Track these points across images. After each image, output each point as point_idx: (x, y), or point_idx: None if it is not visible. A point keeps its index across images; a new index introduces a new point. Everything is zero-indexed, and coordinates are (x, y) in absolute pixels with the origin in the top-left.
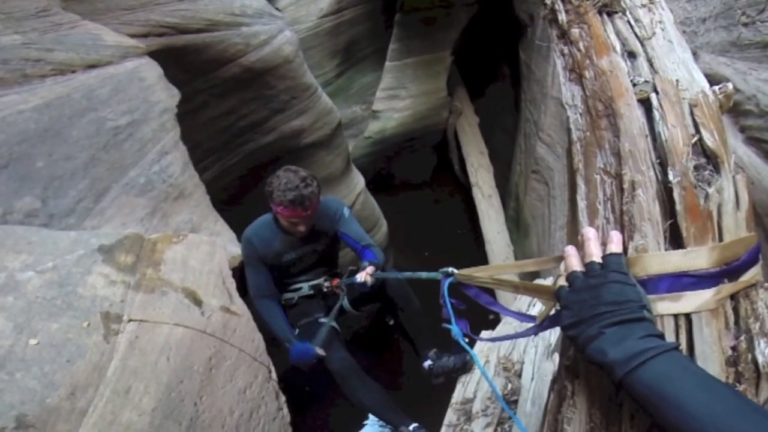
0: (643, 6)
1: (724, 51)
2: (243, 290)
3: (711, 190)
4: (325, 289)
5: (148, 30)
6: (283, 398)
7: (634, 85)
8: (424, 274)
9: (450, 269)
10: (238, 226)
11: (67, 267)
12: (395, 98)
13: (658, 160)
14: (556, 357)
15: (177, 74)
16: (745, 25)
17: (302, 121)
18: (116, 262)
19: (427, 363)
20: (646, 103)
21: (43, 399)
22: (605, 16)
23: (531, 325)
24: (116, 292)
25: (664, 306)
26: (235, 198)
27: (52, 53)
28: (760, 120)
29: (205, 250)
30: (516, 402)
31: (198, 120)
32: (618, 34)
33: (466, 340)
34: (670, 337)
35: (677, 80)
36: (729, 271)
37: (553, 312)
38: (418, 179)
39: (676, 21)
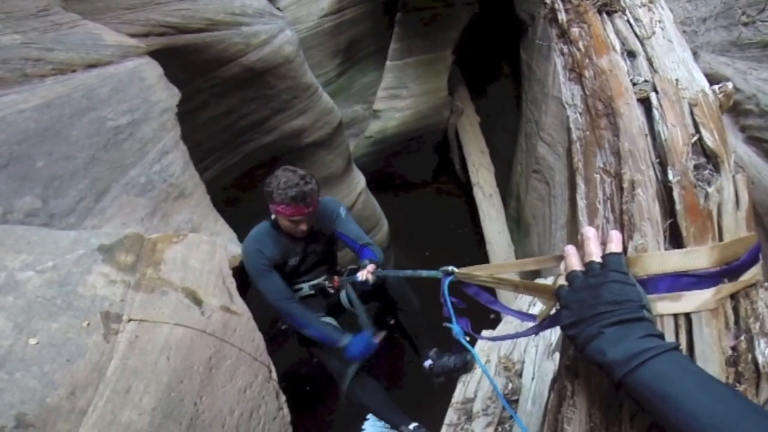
0: (643, 5)
1: (725, 50)
2: (243, 290)
3: (711, 190)
4: (327, 288)
5: (148, 29)
6: (283, 398)
7: (634, 84)
8: (424, 273)
9: (450, 268)
10: (238, 225)
11: (67, 266)
12: (396, 98)
13: (658, 160)
14: (557, 356)
15: (177, 74)
16: (746, 24)
17: (303, 121)
18: (116, 261)
19: (428, 363)
20: (645, 103)
21: (42, 398)
22: (605, 15)
23: (531, 324)
24: (116, 292)
25: (664, 306)
26: (235, 197)
27: (52, 53)
28: (761, 119)
29: (205, 250)
30: (516, 401)
31: (198, 119)
32: (618, 33)
33: (467, 338)
34: (669, 337)
35: (677, 79)
36: (729, 270)
37: (553, 311)
38: (419, 179)
39: (676, 20)
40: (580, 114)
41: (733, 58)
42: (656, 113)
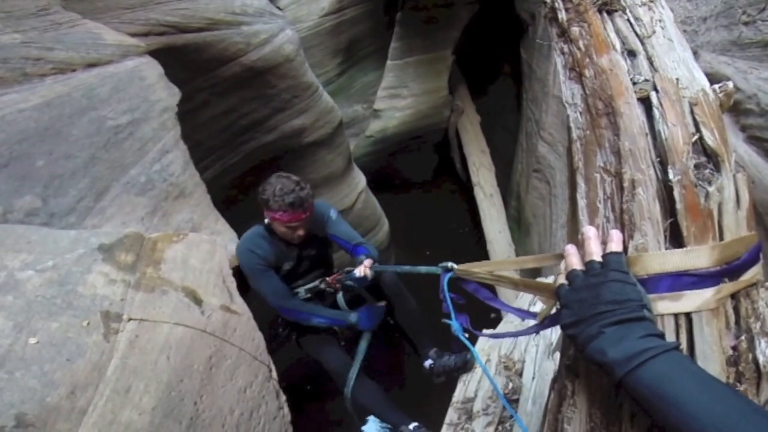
0: (643, 4)
1: (725, 50)
2: (243, 289)
3: (711, 189)
4: (324, 288)
5: (148, 29)
6: (283, 397)
7: (634, 83)
8: (423, 269)
9: (449, 264)
10: (238, 225)
11: (67, 266)
12: (396, 97)
13: (658, 159)
14: (557, 356)
15: (178, 73)
16: (746, 24)
17: (303, 120)
18: (116, 261)
19: (428, 362)
20: (646, 102)
21: (42, 398)
22: (605, 14)
23: (531, 322)
24: (116, 291)
25: (665, 305)
26: (235, 197)
27: (52, 52)
28: (761, 119)
29: (205, 249)
30: (517, 401)
31: (199, 119)
32: (618, 32)
33: (466, 335)
34: (670, 337)
35: (677, 79)
36: (729, 270)
37: (553, 311)
38: (420, 178)
39: (676, 20)
40: (581, 113)
41: (734, 57)
42: (657, 112)
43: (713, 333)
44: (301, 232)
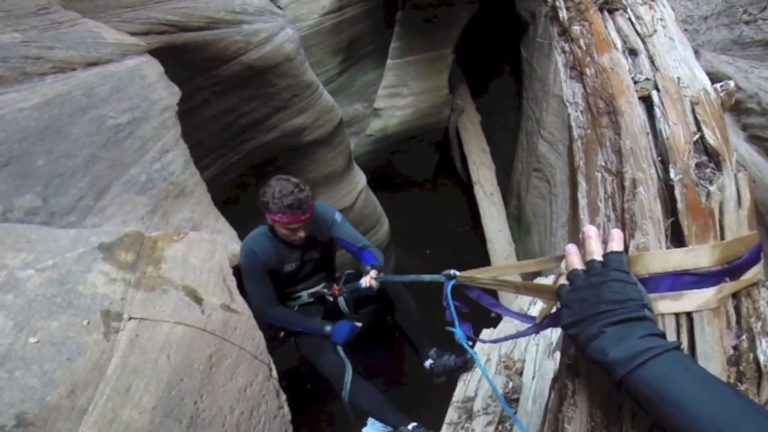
0: (645, 3)
1: (726, 49)
2: (243, 289)
3: (713, 188)
4: (327, 296)
5: (148, 28)
6: (283, 396)
7: (635, 82)
8: (426, 277)
9: (452, 272)
10: (238, 224)
11: (68, 265)
12: (397, 96)
13: (660, 158)
14: (558, 355)
15: (178, 72)
16: (747, 23)
17: (303, 119)
18: (116, 260)
19: (428, 362)
20: (647, 101)
21: (43, 397)
22: (606, 13)
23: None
24: (116, 290)
25: (665, 305)
26: (236, 196)
27: (52, 51)
28: (762, 118)
29: (205, 248)
30: (517, 400)
31: (199, 118)
32: (619, 31)
33: (470, 343)
34: (671, 337)
35: (678, 78)
36: (731, 269)
37: (554, 311)
38: (420, 177)
39: (677, 19)
40: (581, 112)
41: (735, 56)
42: (658, 111)
43: (714, 332)
44: (302, 234)
